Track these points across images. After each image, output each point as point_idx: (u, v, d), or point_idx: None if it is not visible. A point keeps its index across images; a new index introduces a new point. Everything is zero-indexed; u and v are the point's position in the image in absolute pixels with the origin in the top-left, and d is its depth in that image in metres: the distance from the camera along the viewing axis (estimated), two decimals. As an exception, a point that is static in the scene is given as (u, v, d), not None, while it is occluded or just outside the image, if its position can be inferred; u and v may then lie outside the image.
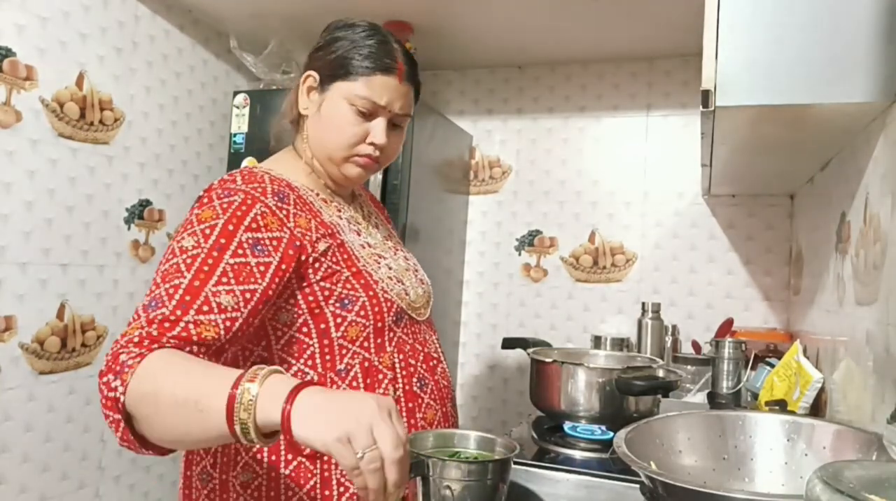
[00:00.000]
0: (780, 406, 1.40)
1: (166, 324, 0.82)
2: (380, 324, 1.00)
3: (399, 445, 0.67)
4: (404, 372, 1.03)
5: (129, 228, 2.06)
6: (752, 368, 1.78)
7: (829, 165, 1.48)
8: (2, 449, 1.70)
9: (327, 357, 0.98)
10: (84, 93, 1.89)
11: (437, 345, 1.14)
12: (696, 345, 2.22)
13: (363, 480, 0.66)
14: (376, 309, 1.00)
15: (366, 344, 0.99)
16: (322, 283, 0.97)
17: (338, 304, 0.98)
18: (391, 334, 1.02)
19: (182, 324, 0.82)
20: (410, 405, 1.02)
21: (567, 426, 1.32)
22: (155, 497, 2.18)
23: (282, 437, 0.70)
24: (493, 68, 2.61)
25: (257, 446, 0.78)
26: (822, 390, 1.35)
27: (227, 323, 0.86)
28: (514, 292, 2.54)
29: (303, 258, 0.96)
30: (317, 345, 0.97)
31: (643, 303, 2.13)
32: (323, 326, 0.97)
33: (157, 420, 0.76)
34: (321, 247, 0.98)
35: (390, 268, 1.08)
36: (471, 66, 2.61)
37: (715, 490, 0.68)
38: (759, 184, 2.03)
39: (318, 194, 1.07)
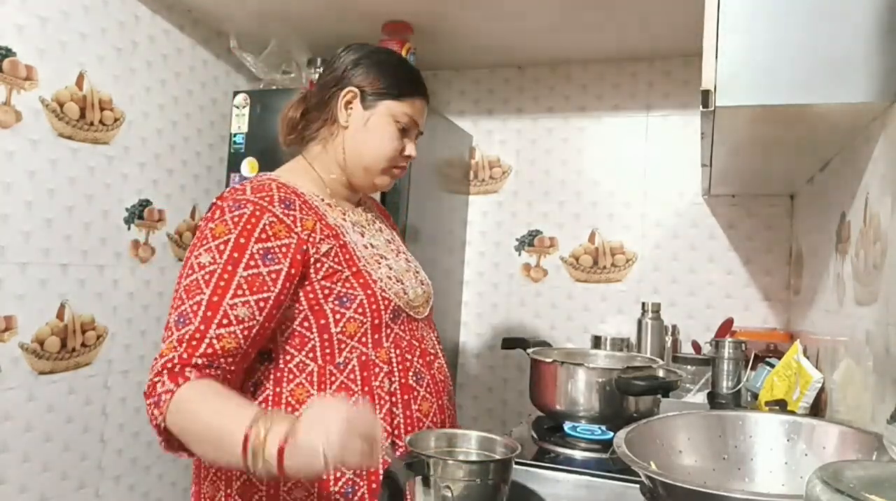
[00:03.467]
0: (780, 406, 1.40)
1: (193, 342, 0.93)
2: (377, 321, 1.06)
3: (347, 443, 0.79)
4: (400, 367, 1.08)
5: (129, 228, 2.06)
6: (752, 368, 1.78)
7: (829, 165, 1.48)
8: (2, 449, 1.70)
9: (327, 350, 1.04)
10: (84, 93, 1.89)
11: (436, 342, 1.20)
12: (696, 345, 2.22)
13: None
14: (374, 306, 1.06)
15: (363, 339, 1.05)
16: (322, 282, 1.03)
17: (336, 302, 1.04)
18: (388, 330, 1.08)
19: (207, 340, 0.93)
20: (406, 397, 1.07)
21: (567, 426, 1.32)
22: (155, 497, 2.18)
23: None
24: (493, 68, 2.61)
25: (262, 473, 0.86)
26: (822, 390, 1.35)
27: (245, 333, 0.96)
28: (514, 292, 2.54)
29: (306, 260, 1.02)
30: (317, 339, 1.04)
31: (643, 303, 2.13)
32: (323, 321, 1.03)
33: (192, 445, 0.91)
34: (324, 247, 1.04)
35: (391, 269, 1.13)
36: (471, 66, 2.61)
37: (715, 490, 0.68)
38: (759, 184, 2.03)
39: (322, 199, 1.13)
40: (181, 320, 0.95)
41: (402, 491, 0.83)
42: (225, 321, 0.94)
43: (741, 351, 1.79)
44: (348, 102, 1.14)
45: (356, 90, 1.13)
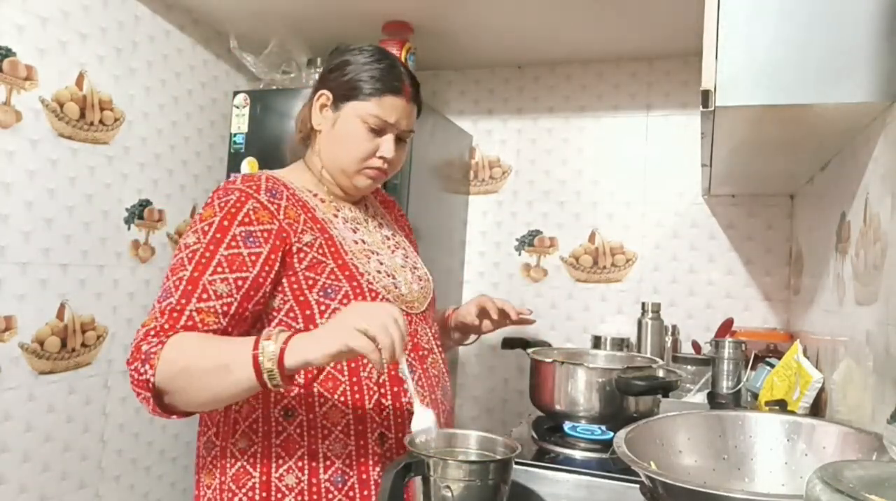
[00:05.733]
0: (780, 406, 1.40)
1: (175, 315, 0.96)
2: None
3: (389, 318, 0.88)
4: None
5: (129, 228, 2.05)
6: (752, 368, 1.78)
7: (829, 165, 1.48)
8: (2, 449, 1.70)
9: None
10: (84, 93, 1.89)
11: (432, 337, 1.19)
12: (696, 345, 2.22)
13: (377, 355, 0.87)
14: (359, 298, 1.07)
15: None
16: (307, 272, 1.06)
17: (321, 293, 1.06)
18: None
19: (187, 313, 0.97)
20: (395, 389, 1.08)
21: (567, 426, 1.32)
22: (155, 497, 2.18)
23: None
24: (493, 68, 2.61)
25: (282, 390, 0.96)
26: (822, 390, 1.35)
27: (224, 308, 0.99)
28: (514, 292, 2.53)
29: (287, 247, 1.05)
30: (303, 330, 1.01)
31: (643, 303, 2.13)
32: (308, 312, 1.05)
33: (192, 390, 0.93)
34: (306, 238, 1.07)
35: (381, 264, 1.15)
36: (471, 66, 2.61)
37: (715, 490, 0.68)
38: (759, 184, 2.03)
39: (315, 194, 1.16)
40: (163, 295, 0.99)
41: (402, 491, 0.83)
42: (205, 296, 0.98)
43: (741, 351, 1.79)
44: (323, 106, 1.16)
45: (328, 93, 1.15)
